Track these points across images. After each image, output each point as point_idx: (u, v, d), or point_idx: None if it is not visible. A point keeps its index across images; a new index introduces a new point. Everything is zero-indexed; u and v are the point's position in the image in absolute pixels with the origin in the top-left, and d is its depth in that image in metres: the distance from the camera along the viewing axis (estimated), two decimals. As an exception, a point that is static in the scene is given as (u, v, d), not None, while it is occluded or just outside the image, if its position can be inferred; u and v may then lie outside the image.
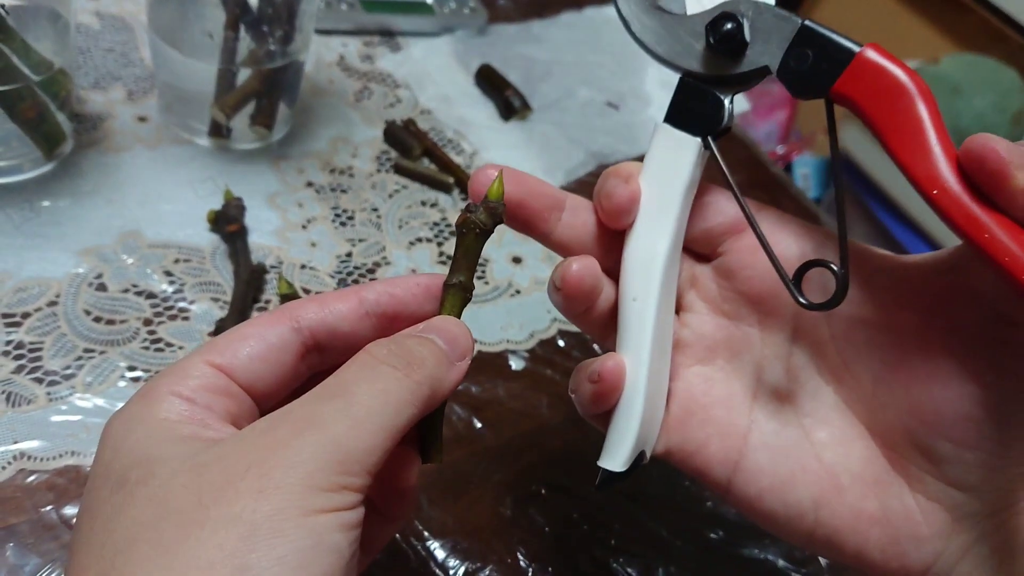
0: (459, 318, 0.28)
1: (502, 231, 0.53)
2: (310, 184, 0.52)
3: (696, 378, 0.31)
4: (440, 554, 0.38)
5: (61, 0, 0.44)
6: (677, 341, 0.31)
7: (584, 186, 0.59)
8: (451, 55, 0.66)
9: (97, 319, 0.41)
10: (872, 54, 0.26)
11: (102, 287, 0.42)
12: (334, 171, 0.53)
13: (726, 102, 0.29)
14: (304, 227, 0.49)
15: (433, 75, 0.64)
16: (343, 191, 0.52)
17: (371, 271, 0.48)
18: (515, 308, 0.49)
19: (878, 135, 0.25)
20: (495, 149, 0.59)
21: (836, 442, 0.29)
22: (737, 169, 0.65)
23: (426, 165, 0.56)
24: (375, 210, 0.52)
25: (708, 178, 0.31)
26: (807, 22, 0.27)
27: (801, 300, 0.27)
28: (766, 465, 0.29)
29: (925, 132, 0.25)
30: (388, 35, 0.66)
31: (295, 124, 0.55)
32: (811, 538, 0.29)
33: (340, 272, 0.47)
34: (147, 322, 0.42)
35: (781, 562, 0.42)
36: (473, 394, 0.44)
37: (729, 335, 0.31)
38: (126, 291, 0.43)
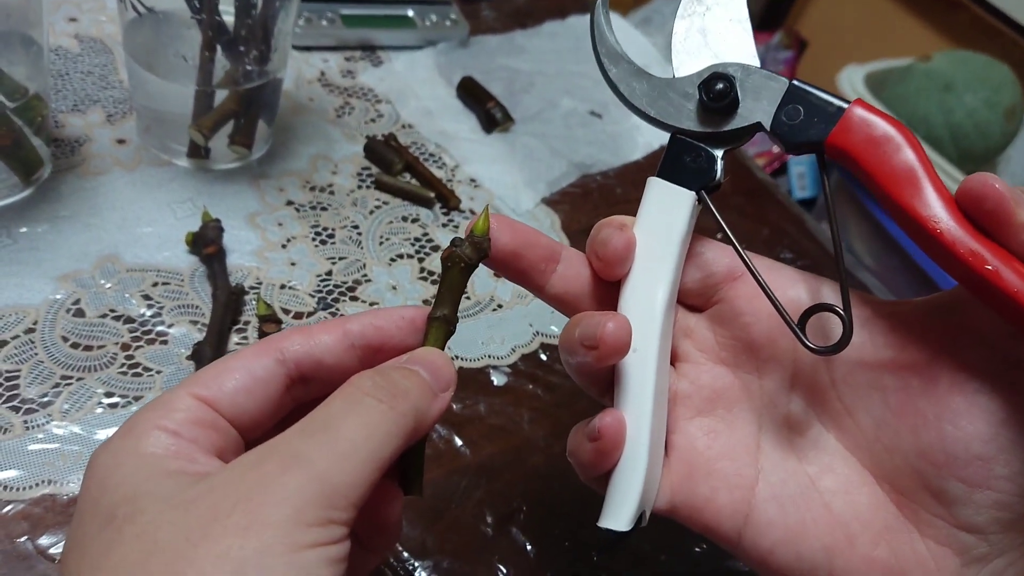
0: (442, 350, 0.28)
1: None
2: (290, 203, 0.52)
3: (698, 430, 0.30)
4: (421, 574, 0.37)
5: (34, 25, 0.44)
6: (676, 393, 0.31)
7: (567, 196, 0.59)
8: (433, 68, 0.66)
9: (75, 345, 0.41)
10: (860, 110, 0.27)
11: (80, 313, 0.42)
12: (314, 189, 0.53)
13: (718, 157, 0.29)
14: (284, 246, 0.49)
15: (415, 89, 0.64)
16: (323, 209, 0.52)
17: (351, 289, 0.48)
18: (497, 323, 0.49)
19: (873, 182, 0.27)
20: (477, 162, 0.59)
21: (843, 489, 0.29)
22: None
23: (407, 180, 0.56)
24: (355, 227, 0.52)
25: (700, 228, 0.31)
26: (794, 82, 0.28)
27: (810, 345, 0.27)
28: (776, 517, 0.29)
29: (919, 176, 0.26)
30: (370, 50, 0.66)
31: (275, 142, 0.55)
32: None
33: (320, 291, 0.47)
34: (125, 347, 0.42)
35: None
36: (454, 411, 0.44)
37: (728, 384, 0.31)
38: (104, 316, 0.42)
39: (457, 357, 0.46)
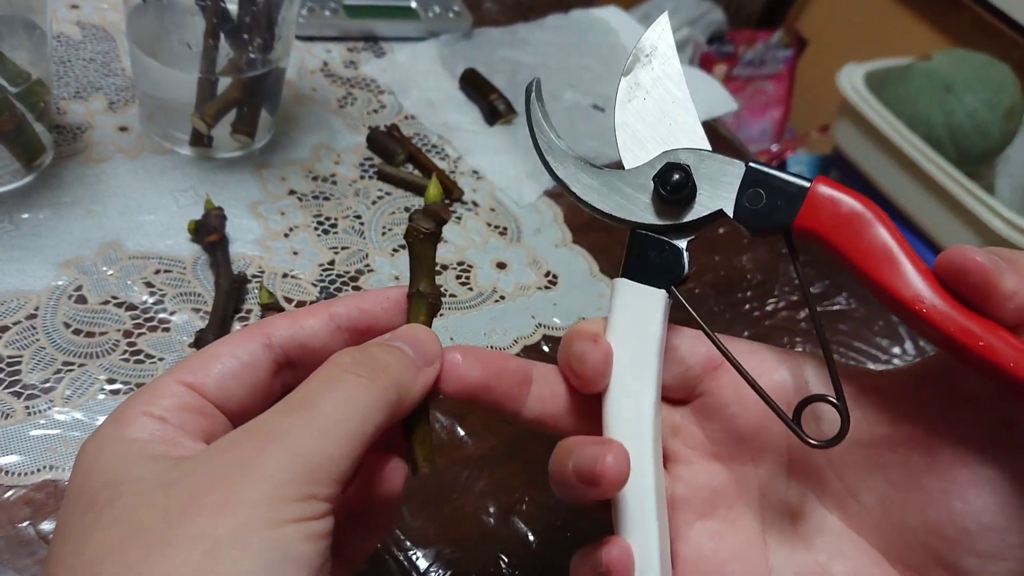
0: (428, 325, 0.28)
1: (485, 235, 0.53)
2: (292, 192, 0.51)
3: (702, 535, 0.29)
4: (423, 563, 0.37)
5: (37, 10, 0.44)
6: (673, 498, 0.29)
7: (570, 190, 0.59)
8: (436, 59, 0.66)
9: (76, 332, 0.41)
10: (824, 188, 0.26)
11: (82, 299, 0.42)
12: (317, 178, 0.53)
13: (683, 249, 0.28)
14: (286, 235, 0.49)
15: (417, 80, 0.64)
16: (326, 198, 0.52)
17: (354, 279, 0.48)
18: (499, 314, 0.49)
19: (848, 261, 0.26)
20: (479, 154, 0.59)
21: (856, 574, 0.28)
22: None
23: (410, 171, 0.56)
24: (358, 217, 0.51)
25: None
26: (751, 164, 0.27)
27: (809, 441, 0.26)
28: None
29: (894, 253, 0.25)
30: (372, 40, 0.66)
31: (277, 132, 0.55)
32: None
33: (323, 280, 0.47)
34: (127, 334, 0.41)
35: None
36: (456, 402, 0.44)
37: (725, 480, 0.30)
38: (106, 303, 0.42)
39: (459, 348, 0.46)
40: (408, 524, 0.38)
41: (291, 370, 0.27)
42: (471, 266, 0.51)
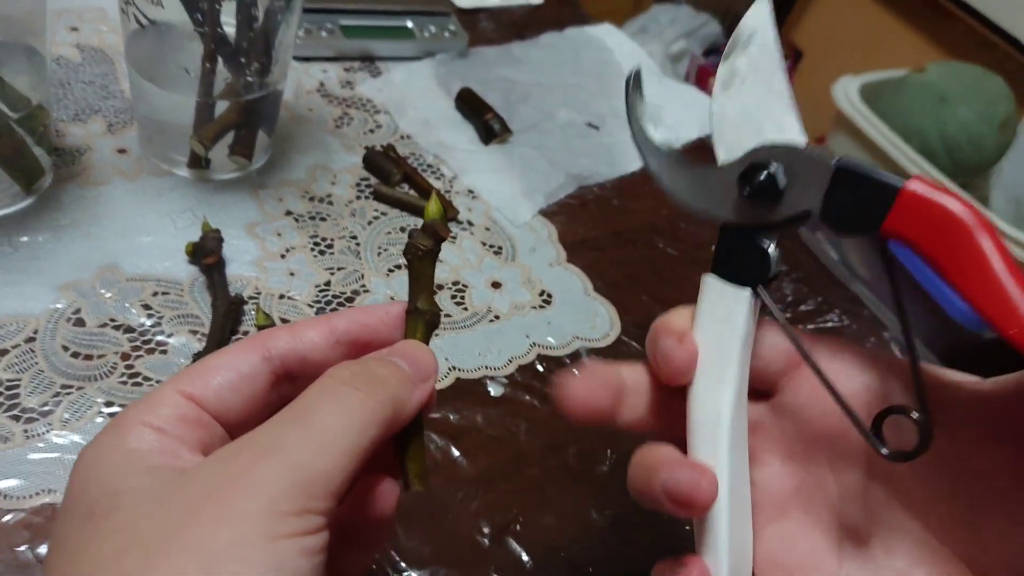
0: (426, 343, 0.28)
1: (480, 255, 0.53)
2: (289, 213, 0.52)
3: (774, 540, 0.29)
4: (417, 585, 0.38)
5: (37, 35, 0.44)
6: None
7: (564, 208, 0.60)
8: (432, 79, 0.67)
9: (75, 355, 0.41)
10: (918, 186, 0.24)
11: (80, 322, 0.43)
12: (313, 199, 0.53)
13: (770, 249, 0.28)
14: (283, 256, 0.49)
15: (413, 100, 0.64)
16: (322, 219, 0.52)
17: (350, 299, 0.48)
18: (494, 334, 0.49)
19: (940, 273, 0.24)
20: (475, 173, 0.59)
21: None
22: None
23: (405, 191, 0.56)
24: (354, 238, 0.52)
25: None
26: (842, 160, 0.26)
27: (884, 452, 0.26)
28: None
29: (992, 267, 0.23)
30: (368, 60, 0.67)
31: (274, 153, 0.55)
32: None
33: (319, 301, 0.48)
34: (125, 356, 0.42)
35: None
36: (451, 421, 0.44)
37: (800, 483, 0.29)
38: (104, 326, 0.43)
39: (454, 368, 0.47)
40: (402, 544, 0.39)
41: (290, 382, 0.27)
42: (466, 285, 0.51)
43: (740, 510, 0.28)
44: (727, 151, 0.28)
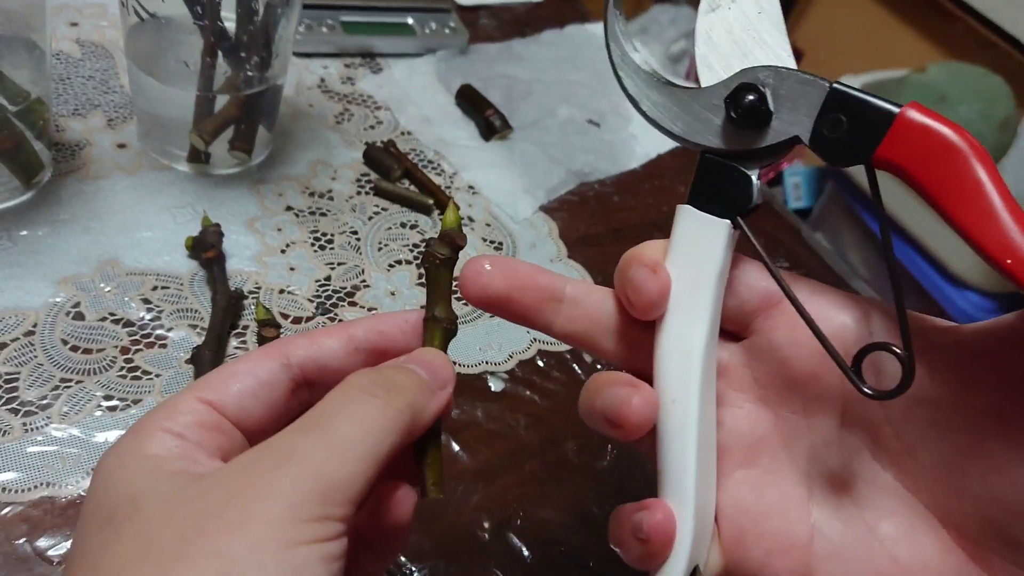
0: (444, 351, 0.28)
1: (481, 250, 0.53)
2: (289, 208, 0.52)
3: (742, 486, 0.28)
4: (417, 579, 0.38)
5: (36, 29, 0.44)
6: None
7: (565, 204, 0.60)
8: (432, 75, 0.67)
9: (74, 348, 0.41)
10: (915, 114, 0.23)
11: (79, 316, 0.42)
12: (313, 194, 0.53)
13: (753, 177, 0.26)
14: (283, 251, 0.49)
15: (414, 96, 0.64)
16: (322, 214, 0.52)
17: (350, 295, 0.48)
18: (494, 329, 0.49)
19: (933, 202, 0.23)
20: (475, 169, 0.59)
21: (905, 535, 0.27)
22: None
23: (406, 187, 0.56)
24: (354, 233, 0.52)
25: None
26: (836, 84, 0.25)
27: (866, 391, 0.25)
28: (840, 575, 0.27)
29: (988, 195, 0.22)
30: (369, 56, 0.67)
31: (275, 148, 0.55)
32: None
33: (319, 296, 0.48)
34: (124, 350, 0.42)
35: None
36: (452, 417, 0.44)
37: (771, 428, 0.28)
38: (103, 319, 0.43)
39: (455, 363, 0.47)
40: (403, 539, 0.39)
41: (308, 389, 0.27)
42: (466, 281, 0.51)
43: (706, 452, 0.27)
44: (712, 74, 0.27)
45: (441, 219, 0.29)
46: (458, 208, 0.54)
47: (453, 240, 0.29)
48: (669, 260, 0.28)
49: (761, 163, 0.27)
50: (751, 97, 0.25)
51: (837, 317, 0.27)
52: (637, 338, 0.29)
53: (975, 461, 0.25)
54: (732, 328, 0.29)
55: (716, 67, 0.27)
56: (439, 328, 0.28)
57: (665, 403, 0.27)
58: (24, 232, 0.45)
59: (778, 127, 0.25)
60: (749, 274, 0.28)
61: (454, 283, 0.29)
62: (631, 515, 0.27)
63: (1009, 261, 0.22)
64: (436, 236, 0.29)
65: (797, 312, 0.26)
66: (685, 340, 0.27)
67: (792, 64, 0.26)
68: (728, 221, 0.27)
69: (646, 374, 0.28)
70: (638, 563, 0.27)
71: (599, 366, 0.49)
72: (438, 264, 0.29)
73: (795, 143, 0.26)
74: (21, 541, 0.34)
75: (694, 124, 0.27)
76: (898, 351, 0.24)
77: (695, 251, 0.27)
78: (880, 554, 0.27)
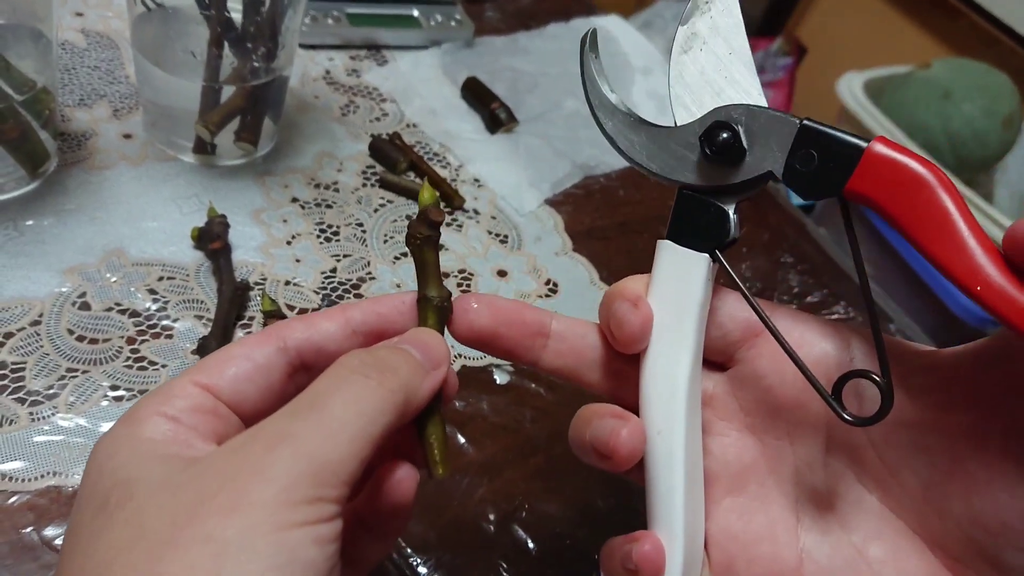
0: (439, 331, 0.28)
1: (486, 243, 0.53)
2: (295, 200, 0.52)
3: (730, 514, 0.28)
4: (423, 570, 0.38)
5: (43, 19, 0.44)
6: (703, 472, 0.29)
7: (570, 197, 0.59)
8: (438, 68, 0.67)
9: (80, 338, 0.41)
10: (882, 148, 0.24)
11: (85, 306, 0.42)
12: (319, 186, 0.53)
13: (730, 212, 0.27)
14: (289, 243, 0.49)
15: (419, 88, 0.64)
16: (328, 206, 0.52)
17: (356, 287, 0.48)
18: (500, 322, 0.49)
19: (904, 232, 0.24)
20: (481, 162, 0.59)
21: (892, 557, 0.27)
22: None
23: (411, 179, 0.56)
24: (360, 225, 0.52)
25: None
26: (805, 121, 0.25)
27: (847, 417, 0.25)
28: None
29: (955, 224, 0.23)
30: (375, 49, 0.66)
31: (280, 139, 0.55)
32: None
33: (324, 288, 0.48)
34: (130, 340, 0.42)
35: None
36: (457, 409, 0.44)
37: (757, 455, 0.29)
38: (109, 310, 0.43)
39: (460, 356, 0.47)
40: (408, 531, 0.39)
41: (306, 373, 0.27)
42: (472, 274, 0.51)
43: (694, 482, 0.28)
44: (687, 113, 0.27)
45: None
46: (434, 184, 0.54)
47: (428, 217, 0.28)
48: (651, 294, 0.28)
49: (737, 197, 0.27)
50: (725, 135, 0.26)
51: (818, 344, 0.28)
52: (622, 371, 0.29)
53: (956, 482, 0.25)
54: (716, 359, 0.30)
55: (690, 106, 0.27)
56: (431, 307, 0.28)
57: (651, 434, 0.27)
58: (30, 222, 0.45)
59: (752, 163, 0.26)
60: (731, 305, 0.29)
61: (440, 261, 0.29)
62: (620, 547, 0.27)
63: (979, 288, 0.22)
64: (414, 216, 0.29)
65: (779, 343, 0.26)
66: (669, 371, 0.27)
67: (763, 102, 0.27)
68: (707, 255, 0.27)
69: (632, 406, 0.28)
70: None
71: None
72: (419, 244, 0.29)
73: (768, 178, 0.26)
74: (28, 530, 0.34)
75: (670, 162, 0.28)
76: (877, 379, 0.25)
77: (676, 285, 0.28)
78: None
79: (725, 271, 0.27)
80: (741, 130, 0.26)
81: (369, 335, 0.28)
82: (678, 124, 0.28)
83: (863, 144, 0.25)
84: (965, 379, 0.26)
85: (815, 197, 0.26)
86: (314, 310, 0.46)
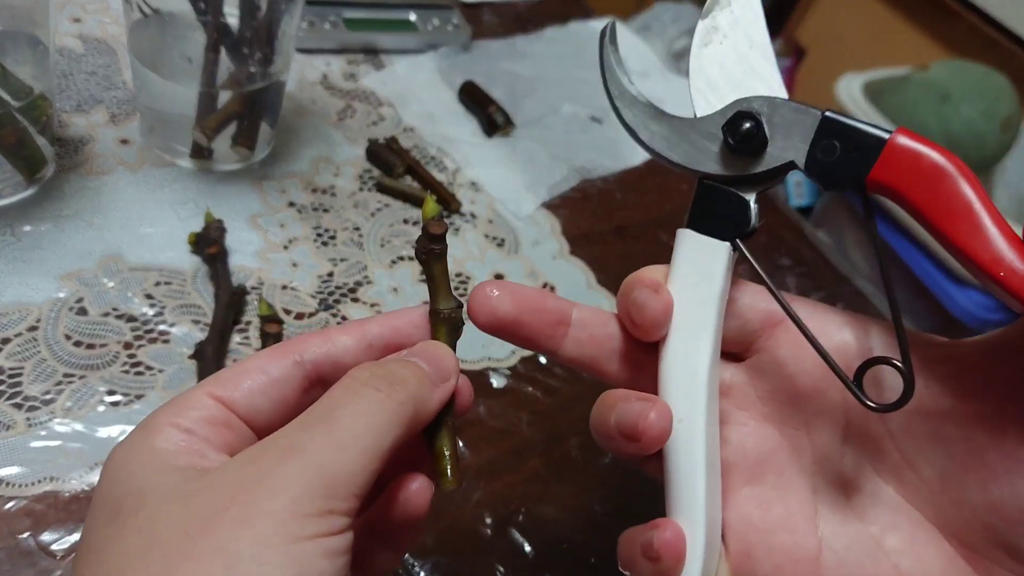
0: (451, 344, 0.28)
1: (483, 247, 0.53)
2: (292, 204, 0.52)
3: (749, 503, 0.28)
4: (421, 574, 0.38)
5: (40, 25, 0.44)
6: (721, 460, 0.29)
7: (567, 201, 0.60)
8: (435, 72, 0.67)
9: (77, 343, 0.41)
10: (904, 139, 0.24)
11: (83, 311, 0.42)
12: (316, 191, 0.53)
13: (751, 202, 0.27)
14: (286, 247, 0.49)
15: (416, 92, 0.64)
16: (325, 211, 0.52)
17: (352, 291, 0.48)
18: (497, 325, 0.49)
19: (926, 221, 0.24)
20: (478, 166, 0.59)
21: (909, 548, 0.27)
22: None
23: (408, 183, 0.56)
24: (357, 229, 0.52)
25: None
26: (827, 113, 0.26)
27: (869, 404, 0.25)
28: None
29: (976, 213, 0.23)
30: (372, 53, 0.66)
31: (277, 144, 0.55)
32: None
33: (321, 292, 0.48)
34: (127, 345, 0.42)
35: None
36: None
37: (775, 445, 0.29)
38: (106, 315, 0.43)
39: (459, 360, 0.46)
40: (406, 535, 0.39)
41: (322, 387, 0.27)
42: (469, 277, 0.51)
43: (713, 470, 0.28)
44: (708, 105, 0.28)
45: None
46: (438, 193, 0.54)
47: (433, 231, 0.28)
48: (671, 283, 0.28)
49: (758, 188, 0.27)
50: (748, 124, 0.26)
51: (838, 334, 0.28)
52: (641, 360, 0.29)
53: (973, 472, 0.26)
54: (734, 349, 0.30)
55: (711, 98, 0.28)
56: (441, 320, 0.28)
57: (672, 423, 0.27)
58: (27, 227, 0.45)
59: (774, 153, 0.26)
60: (750, 296, 0.29)
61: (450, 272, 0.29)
62: (640, 535, 0.27)
63: (1002, 273, 0.23)
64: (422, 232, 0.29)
65: (800, 330, 0.26)
66: (689, 360, 0.27)
67: (784, 94, 0.27)
68: (728, 243, 0.28)
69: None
70: None
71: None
72: (425, 258, 0.29)
73: (790, 168, 0.27)
74: (25, 535, 0.34)
75: (692, 152, 0.28)
76: (898, 364, 0.25)
77: (696, 273, 0.28)
78: (886, 566, 0.27)
79: (744, 261, 0.28)
80: (763, 120, 0.26)
81: (385, 349, 0.28)
82: (699, 115, 0.28)
83: (885, 135, 0.25)
84: (983, 368, 0.26)
85: (837, 187, 0.26)
86: (311, 314, 0.46)
